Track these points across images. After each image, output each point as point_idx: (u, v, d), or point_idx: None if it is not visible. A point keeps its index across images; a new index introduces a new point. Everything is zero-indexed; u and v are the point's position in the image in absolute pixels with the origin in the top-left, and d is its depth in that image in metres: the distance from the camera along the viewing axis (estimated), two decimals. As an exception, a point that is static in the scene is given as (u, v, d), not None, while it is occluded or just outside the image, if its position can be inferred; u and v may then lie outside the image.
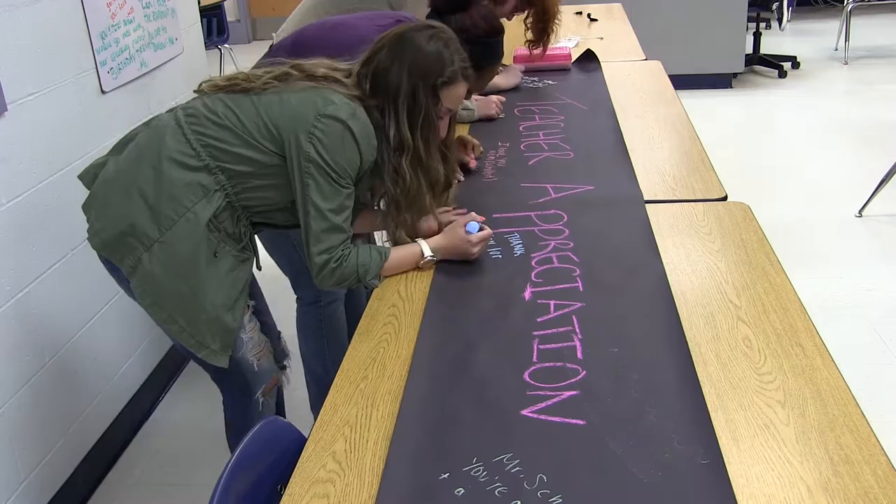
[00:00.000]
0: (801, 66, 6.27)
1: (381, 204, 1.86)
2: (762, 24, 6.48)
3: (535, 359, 1.41)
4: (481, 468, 1.16)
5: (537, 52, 3.12)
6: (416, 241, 1.78)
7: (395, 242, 1.80)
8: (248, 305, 1.87)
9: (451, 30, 1.78)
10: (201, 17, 3.62)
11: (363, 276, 1.70)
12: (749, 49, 6.20)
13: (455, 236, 1.78)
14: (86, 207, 1.80)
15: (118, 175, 1.76)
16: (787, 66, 6.17)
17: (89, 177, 1.83)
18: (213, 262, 1.71)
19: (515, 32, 2.98)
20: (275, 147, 1.69)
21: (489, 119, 2.70)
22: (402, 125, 1.69)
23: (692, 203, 1.98)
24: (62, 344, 2.36)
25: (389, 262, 1.74)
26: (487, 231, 1.79)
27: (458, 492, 1.13)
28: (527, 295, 1.62)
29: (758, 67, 6.29)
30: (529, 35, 3.02)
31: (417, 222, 1.82)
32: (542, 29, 2.97)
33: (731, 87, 6.00)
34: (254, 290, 1.98)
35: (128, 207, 1.71)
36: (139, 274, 1.71)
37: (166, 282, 1.70)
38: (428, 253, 1.76)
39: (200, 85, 1.83)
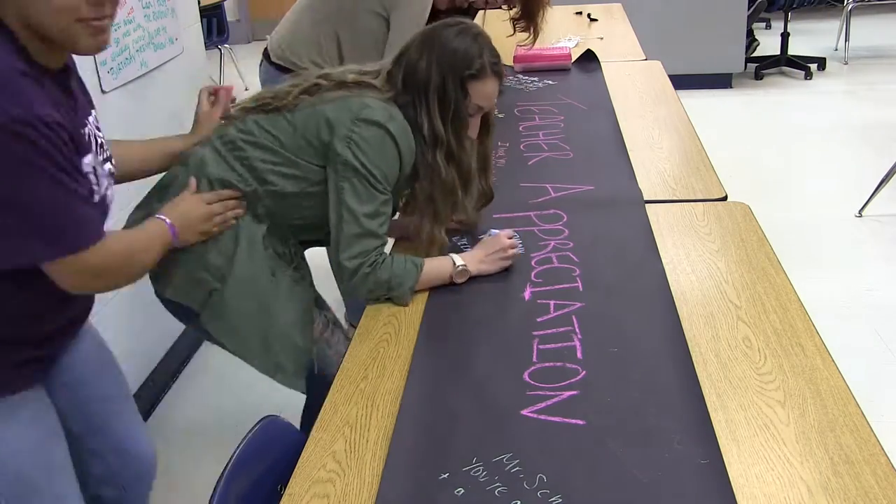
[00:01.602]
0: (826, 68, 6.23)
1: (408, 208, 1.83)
2: (762, 25, 6.48)
3: (534, 359, 1.41)
4: (481, 468, 1.16)
5: (527, 47, 3.04)
6: (446, 255, 1.72)
7: (429, 244, 1.74)
8: (327, 318, 1.86)
9: (479, 25, 1.76)
10: (201, 17, 3.61)
11: (396, 286, 1.63)
12: (777, 50, 6.23)
13: (483, 244, 1.74)
14: None
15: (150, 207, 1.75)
16: (813, 67, 6.14)
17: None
18: (273, 280, 1.71)
19: (503, 35, 2.98)
20: (317, 160, 1.68)
21: None
22: (434, 118, 1.67)
23: (692, 203, 1.98)
24: (62, 344, 2.36)
25: (423, 275, 1.66)
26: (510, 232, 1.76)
27: (457, 492, 1.13)
28: (527, 295, 1.62)
29: (785, 68, 6.26)
30: (522, 36, 2.89)
31: (451, 218, 1.78)
32: (529, 18, 2.80)
33: (731, 87, 5.99)
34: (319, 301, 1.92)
35: (205, 255, 1.70)
36: (210, 306, 1.70)
37: (236, 306, 1.69)
38: (459, 262, 1.68)
39: (229, 110, 1.83)
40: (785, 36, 6.19)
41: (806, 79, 6.06)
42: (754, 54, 6.34)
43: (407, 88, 1.69)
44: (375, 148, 1.63)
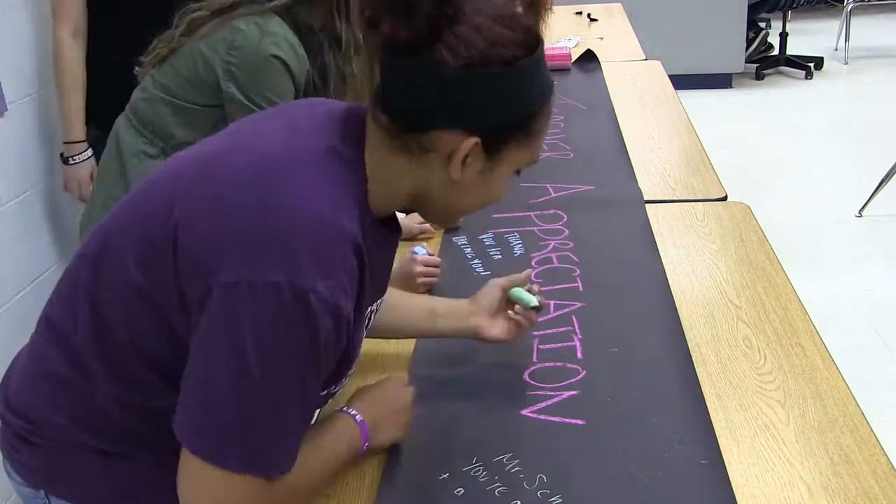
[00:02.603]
0: (823, 68, 6.23)
1: None
2: (762, 24, 6.48)
3: (535, 359, 1.41)
4: (481, 468, 1.16)
5: None
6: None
7: None
8: None
9: None
10: (201, 17, 3.61)
11: None
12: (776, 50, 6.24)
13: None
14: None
15: (96, 194, 1.74)
16: (811, 66, 6.14)
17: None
18: None
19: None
20: (209, 100, 1.58)
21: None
22: (355, 29, 1.54)
23: (692, 203, 1.97)
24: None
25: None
26: (435, 259, 1.61)
27: (457, 492, 1.13)
28: (527, 295, 1.62)
29: (784, 68, 6.25)
30: None
31: None
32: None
33: (731, 87, 5.99)
34: None
35: None
36: None
37: None
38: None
39: (141, 66, 1.72)
40: (784, 36, 6.19)
41: (806, 78, 6.06)
42: (761, 52, 6.33)
43: None
44: (256, 71, 1.52)
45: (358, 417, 1.14)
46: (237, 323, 0.89)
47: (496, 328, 1.36)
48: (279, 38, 1.55)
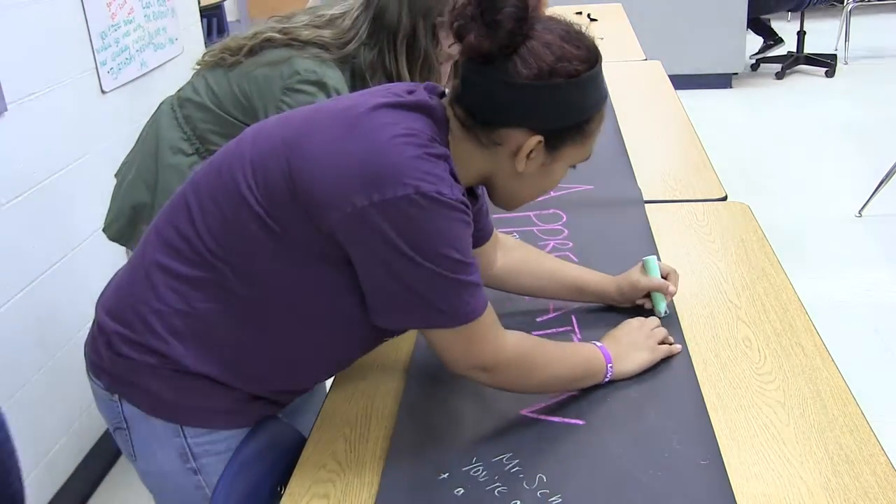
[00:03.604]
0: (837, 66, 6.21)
1: None
2: (769, 24, 6.48)
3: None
4: (481, 468, 1.16)
5: None
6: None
7: None
8: None
9: None
10: (201, 17, 3.61)
11: None
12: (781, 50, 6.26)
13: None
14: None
15: (127, 167, 1.78)
16: (833, 63, 6.13)
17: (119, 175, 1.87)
18: None
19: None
20: (251, 120, 1.64)
21: None
22: (401, 66, 1.63)
23: (692, 203, 1.97)
24: (63, 343, 2.36)
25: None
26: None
27: (457, 492, 1.13)
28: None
29: (803, 66, 6.24)
30: None
31: None
32: None
33: (731, 87, 5.99)
34: None
35: (134, 196, 1.71)
36: None
37: None
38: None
39: (201, 58, 1.79)
40: (801, 35, 6.18)
41: (827, 76, 6.04)
42: (770, 53, 6.33)
43: (374, 33, 1.64)
44: None
45: (600, 344, 1.33)
46: (389, 231, 1.05)
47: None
48: (330, 89, 1.64)
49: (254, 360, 1.20)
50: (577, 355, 1.31)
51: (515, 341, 1.21)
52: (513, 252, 1.52)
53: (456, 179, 1.11)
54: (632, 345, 1.35)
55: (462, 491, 1.13)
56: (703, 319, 1.49)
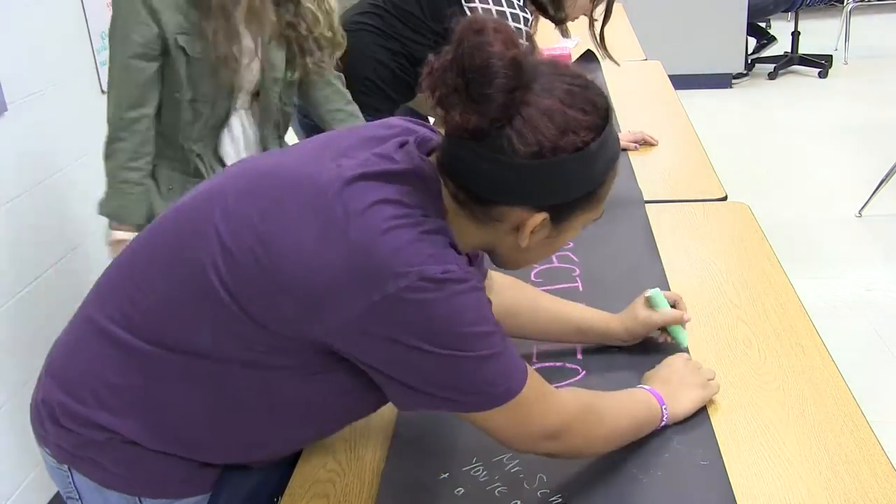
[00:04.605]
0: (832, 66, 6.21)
1: None
2: (762, 24, 6.48)
3: (534, 359, 1.41)
4: (481, 468, 1.16)
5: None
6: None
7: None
8: None
9: None
10: (201, 16, 3.61)
11: None
12: (780, 50, 6.25)
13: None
14: None
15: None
16: (826, 64, 6.12)
17: None
18: None
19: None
20: None
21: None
22: None
23: (692, 203, 1.97)
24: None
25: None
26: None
27: (457, 492, 1.13)
28: (527, 295, 1.62)
29: (796, 67, 6.24)
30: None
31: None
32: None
33: (730, 87, 5.99)
34: None
35: None
36: None
37: None
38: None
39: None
40: (795, 35, 6.18)
41: (820, 77, 6.04)
42: (764, 53, 6.32)
43: None
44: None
45: (648, 387, 1.21)
46: (396, 333, 0.93)
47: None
48: None
49: (221, 438, 1.09)
50: (633, 401, 1.19)
51: (574, 396, 1.11)
52: (506, 291, 1.37)
53: (457, 250, 0.99)
54: (682, 384, 1.24)
55: (462, 491, 1.13)
56: (703, 319, 1.49)
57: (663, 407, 1.19)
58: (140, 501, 1.13)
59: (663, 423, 1.20)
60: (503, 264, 1.12)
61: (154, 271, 1.05)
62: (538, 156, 0.93)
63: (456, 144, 0.97)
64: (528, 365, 1.03)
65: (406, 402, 1.02)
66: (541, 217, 0.99)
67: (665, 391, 1.21)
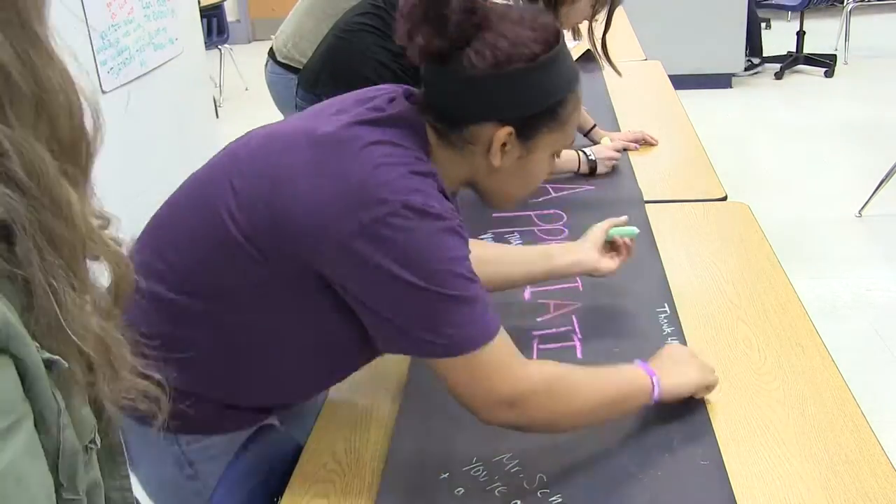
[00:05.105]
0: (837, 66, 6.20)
1: None
2: (762, 24, 6.48)
3: (534, 359, 1.41)
4: (481, 468, 1.16)
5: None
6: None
7: None
8: None
9: None
10: (201, 17, 3.62)
11: None
12: (781, 49, 6.25)
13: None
14: None
15: None
16: (832, 64, 6.12)
17: None
18: None
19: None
20: None
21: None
22: None
23: (692, 203, 1.97)
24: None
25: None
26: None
27: (457, 492, 1.13)
28: (526, 295, 1.62)
29: (802, 66, 6.23)
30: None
31: None
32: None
33: (731, 87, 5.99)
34: None
35: None
36: None
37: None
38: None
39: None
40: (801, 34, 6.17)
41: (826, 77, 6.04)
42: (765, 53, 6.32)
43: None
44: None
45: (639, 361, 1.22)
46: (379, 257, 1.01)
47: (607, 261, 1.49)
48: None
49: (243, 380, 1.17)
50: (614, 373, 1.19)
51: (539, 367, 1.13)
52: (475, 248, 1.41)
53: (445, 196, 1.08)
54: (674, 361, 1.24)
55: (462, 491, 1.13)
56: (703, 319, 1.49)
57: (654, 377, 1.17)
58: (177, 439, 1.20)
59: (656, 397, 1.17)
60: (489, 200, 1.23)
61: (179, 228, 1.14)
62: (494, 67, 1.06)
63: (428, 73, 1.11)
64: (502, 328, 1.07)
65: (386, 340, 1.08)
66: (506, 130, 1.10)
67: (657, 365, 1.21)
